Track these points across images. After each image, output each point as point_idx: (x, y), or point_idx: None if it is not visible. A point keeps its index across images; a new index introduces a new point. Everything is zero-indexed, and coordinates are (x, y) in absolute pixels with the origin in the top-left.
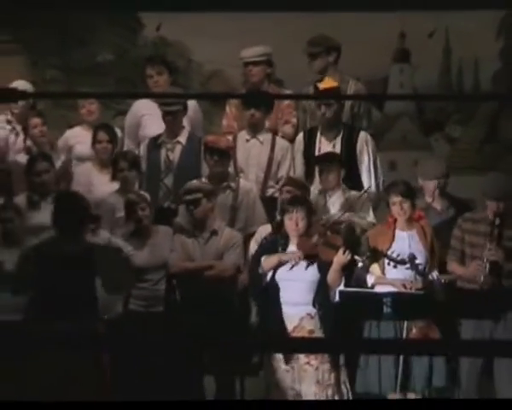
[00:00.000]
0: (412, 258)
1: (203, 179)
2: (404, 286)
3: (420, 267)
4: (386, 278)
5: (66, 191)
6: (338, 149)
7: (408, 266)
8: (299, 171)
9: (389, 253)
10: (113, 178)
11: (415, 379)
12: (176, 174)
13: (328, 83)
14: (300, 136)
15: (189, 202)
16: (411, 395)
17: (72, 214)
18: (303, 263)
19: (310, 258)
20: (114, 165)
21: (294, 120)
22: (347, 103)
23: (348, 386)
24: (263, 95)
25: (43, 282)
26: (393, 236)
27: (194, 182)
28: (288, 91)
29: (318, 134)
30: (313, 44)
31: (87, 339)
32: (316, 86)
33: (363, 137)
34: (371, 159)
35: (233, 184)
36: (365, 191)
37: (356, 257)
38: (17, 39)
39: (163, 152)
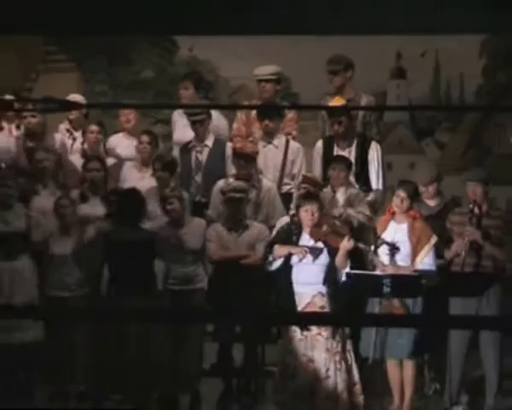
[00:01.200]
0: (393, 246)
1: (230, 179)
2: (397, 269)
3: (395, 255)
4: (381, 262)
5: (128, 189)
6: (353, 155)
7: (387, 251)
8: (318, 171)
9: (382, 240)
10: (153, 175)
11: (412, 347)
12: (204, 173)
13: (337, 101)
14: (320, 142)
15: (235, 200)
16: (407, 364)
17: (133, 208)
18: (309, 257)
19: (317, 251)
20: (153, 165)
21: (295, 133)
22: (360, 113)
23: (352, 354)
24: (275, 107)
25: (108, 263)
26: (387, 225)
27: (240, 183)
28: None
29: (335, 143)
30: (333, 63)
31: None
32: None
33: (374, 145)
34: (379, 163)
35: (256, 183)
36: (364, 191)
37: (359, 244)
38: (72, 59)
39: (193, 154)
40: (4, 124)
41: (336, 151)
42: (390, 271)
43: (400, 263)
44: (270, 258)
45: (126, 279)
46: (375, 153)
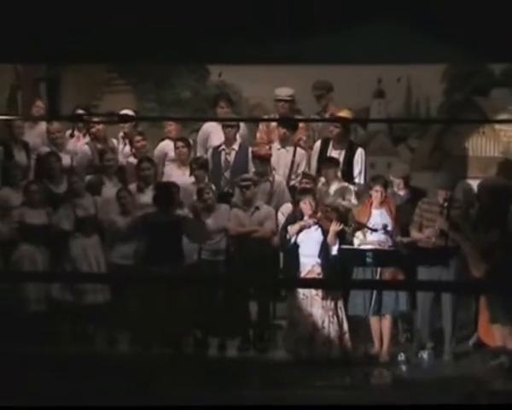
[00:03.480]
0: (385, 227)
1: (251, 174)
2: (379, 245)
3: (389, 233)
4: (367, 240)
5: (163, 182)
6: (343, 156)
7: (382, 231)
8: (314, 167)
9: (369, 224)
10: (191, 174)
11: (387, 306)
12: (232, 170)
13: (343, 113)
14: (318, 142)
15: (243, 187)
16: (385, 318)
17: (167, 196)
18: (313, 228)
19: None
20: (191, 165)
21: (305, 138)
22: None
23: (343, 310)
24: (289, 120)
25: (148, 239)
26: (370, 212)
27: (248, 174)
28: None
29: (330, 145)
30: (317, 87)
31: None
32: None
33: (360, 151)
34: (362, 164)
35: (270, 178)
36: (350, 185)
37: (344, 227)
38: (129, 83)
39: (223, 155)
40: (76, 132)
41: (330, 151)
42: (369, 245)
43: (385, 239)
44: (288, 237)
45: (157, 251)
46: (359, 156)
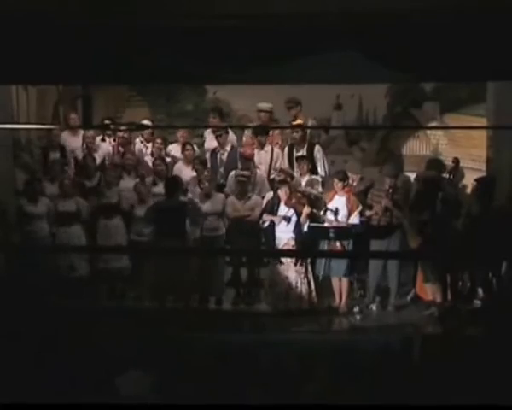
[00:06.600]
0: (336, 210)
1: (239, 170)
2: (340, 223)
3: (339, 215)
4: (331, 219)
5: (170, 176)
6: (305, 154)
7: (333, 213)
8: (285, 164)
9: (332, 207)
10: (193, 169)
11: (341, 269)
12: (225, 167)
13: (298, 121)
14: (287, 147)
15: (240, 181)
16: (344, 279)
17: (173, 187)
18: (284, 221)
19: (287, 218)
20: (194, 162)
21: (280, 142)
22: (309, 131)
23: (311, 275)
24: (265, 128)
25: (157, 220)
26: (333, 198)
27: (245, 172)
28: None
29: (294, 147)
30: (289, 102)
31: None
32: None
33: (317, 147)
34: (322, 159)
35: (253, 173)
36: (318, 177)
37: (313, 210)
38: (145, 99)
39: (218, 156)
40: (106, 137)
41: (296, 152)
42: (332, 224)
43: (341, 220)
44: (262, 221)
45: (168, 229)
46: (318, 152)
